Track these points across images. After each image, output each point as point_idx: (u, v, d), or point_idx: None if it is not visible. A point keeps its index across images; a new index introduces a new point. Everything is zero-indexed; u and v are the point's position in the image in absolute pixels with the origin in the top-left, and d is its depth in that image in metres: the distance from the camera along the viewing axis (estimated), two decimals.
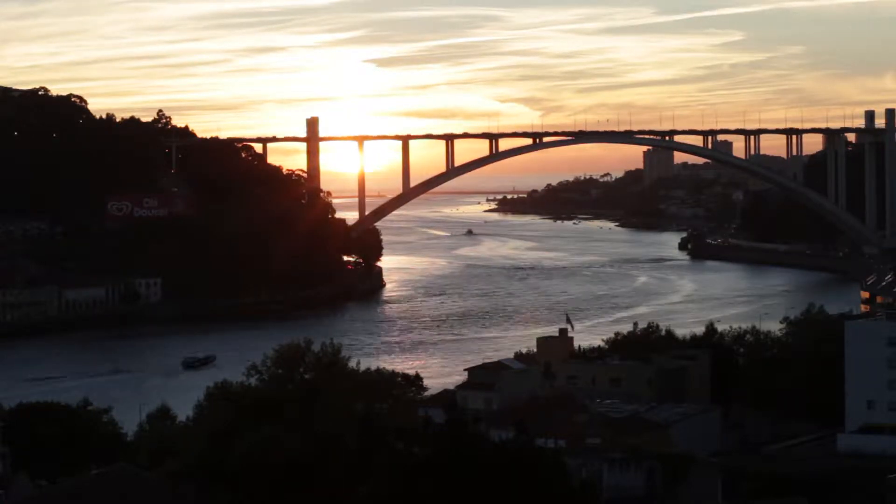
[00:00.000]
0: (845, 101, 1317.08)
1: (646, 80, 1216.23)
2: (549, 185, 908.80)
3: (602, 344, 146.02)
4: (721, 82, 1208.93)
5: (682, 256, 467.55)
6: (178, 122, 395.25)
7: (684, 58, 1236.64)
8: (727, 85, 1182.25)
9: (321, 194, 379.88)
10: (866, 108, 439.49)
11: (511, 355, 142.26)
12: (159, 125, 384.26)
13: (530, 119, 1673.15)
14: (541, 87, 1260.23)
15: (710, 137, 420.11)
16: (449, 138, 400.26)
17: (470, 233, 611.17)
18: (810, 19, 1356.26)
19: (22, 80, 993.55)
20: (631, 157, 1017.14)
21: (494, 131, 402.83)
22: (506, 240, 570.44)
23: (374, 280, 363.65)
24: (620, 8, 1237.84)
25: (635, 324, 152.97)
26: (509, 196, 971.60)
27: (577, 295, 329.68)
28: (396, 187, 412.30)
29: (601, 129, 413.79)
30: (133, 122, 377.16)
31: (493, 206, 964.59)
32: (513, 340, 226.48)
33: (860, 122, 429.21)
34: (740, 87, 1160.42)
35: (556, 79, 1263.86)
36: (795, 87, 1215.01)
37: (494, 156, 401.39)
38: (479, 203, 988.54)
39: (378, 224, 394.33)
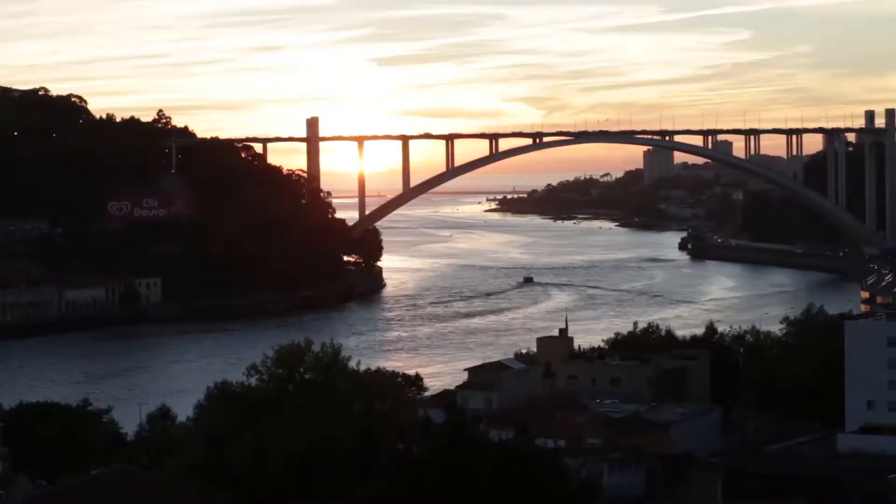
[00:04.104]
0: (849, 101, 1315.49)
1: (651, 80, 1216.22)
2: (549, 185, 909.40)
3: (602, 344, 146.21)
4: (726, 81, 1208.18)
5: (682, 256, 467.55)
6: (178, 122, 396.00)
7: (690, 57, 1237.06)
8: (732, 84, 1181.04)
9: (321, 194, 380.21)
10: (871, 108, 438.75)
11: (511, 355, 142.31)
12: (159, 125, 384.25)
13: (533, 118, 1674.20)
14: (544, 87, 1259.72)
15: (710, 137, 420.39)
16: (449, 138, 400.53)
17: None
18: (817, 18, 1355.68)
19: (22, 80, 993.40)
20: (631, 157, 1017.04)
21: (494, 131, 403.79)
22: (503, 238, 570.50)
23: (374, 280, 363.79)
24: (627, 6, 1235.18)
25: (635, 324, 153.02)
26: (509, 196, 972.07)
27: (576, 296, 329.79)
28: (396, 187, 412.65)
29: (602, 128, 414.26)
30: (133, 122, 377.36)
31: (493, 205, 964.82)
32: (513, 340, 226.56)
33: (861, 122, 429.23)
34: (745, 87, 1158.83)
35: (560, 78, 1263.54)
36: (800, 86, 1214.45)
37: (494, 156, 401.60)
38: (479, 203, 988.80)
39: (378, 224, 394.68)
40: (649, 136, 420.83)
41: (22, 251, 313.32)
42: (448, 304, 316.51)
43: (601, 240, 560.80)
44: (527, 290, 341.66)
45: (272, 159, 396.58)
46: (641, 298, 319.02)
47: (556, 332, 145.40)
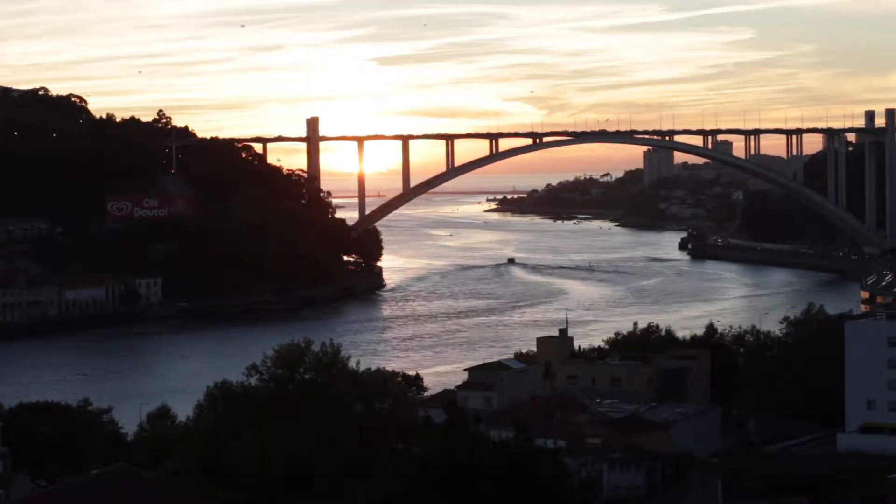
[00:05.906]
0: (851, 101, 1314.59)
1: (653, 79, 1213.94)
2: (549, 184, 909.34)
3: (602, 344, 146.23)
4: (728, 81, 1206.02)
5: (682, 256, 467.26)
6: (178, 121, 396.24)
7: (692, 56, 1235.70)
8: (734, 84, 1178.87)
9: (321, 194, 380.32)
10: (873, 107, 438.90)
11: (511, 355, 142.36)
12: (159, 125, 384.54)
13: (534, 118, 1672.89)
14: (546, 86, 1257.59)
15: (710, 137, 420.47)
16: (449, 138, 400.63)
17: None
18: (820, 17, 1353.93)
19: (22, 79, 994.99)
20: (631, 156, 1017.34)
21: (494, 131, 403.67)
22: (503, 238, 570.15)
23: (374, 280, 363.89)
24: (628, 5, 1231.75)
25: (635, 324, 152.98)
26: (509, 196, 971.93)
27: (577, 296, 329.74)
28: (396, 187, 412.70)
29: (602, 128, 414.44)
30: (133, 122, 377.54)
31: (493, 205, 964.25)
32: (513, 340, 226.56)
33: (861, 122, 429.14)
34: (747, 86, 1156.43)
35: (562, 77, 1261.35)
36: (802, 85, 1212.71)
37: (494, 156, 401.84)
38: (479, 203, 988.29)
39: (378, 224, 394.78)
40: (649, 136, 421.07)
41: (22, 251, 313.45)
42: (447, 304, 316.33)
43: (601, 240, 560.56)
44: (525, 289, 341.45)
45: (272, 159, 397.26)
46: (642, 298, 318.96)
47: (556, 332, 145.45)
